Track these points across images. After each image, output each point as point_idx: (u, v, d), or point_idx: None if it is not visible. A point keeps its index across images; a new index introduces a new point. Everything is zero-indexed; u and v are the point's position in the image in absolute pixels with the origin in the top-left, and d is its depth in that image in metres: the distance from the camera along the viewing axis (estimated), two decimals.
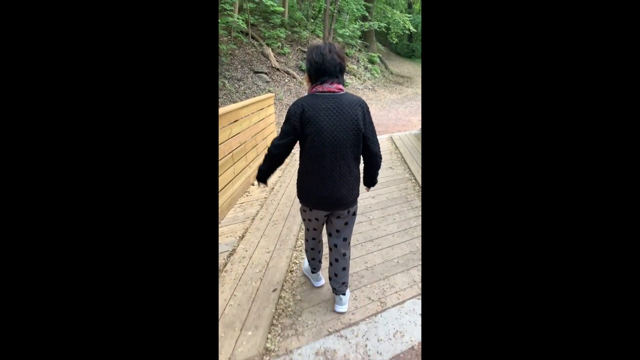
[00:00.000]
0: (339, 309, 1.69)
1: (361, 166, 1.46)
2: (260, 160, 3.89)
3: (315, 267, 1.81)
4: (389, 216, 2.73)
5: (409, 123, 7.21)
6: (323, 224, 1.58)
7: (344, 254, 1.60)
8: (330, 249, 1.62)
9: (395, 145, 4.86)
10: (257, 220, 2.64)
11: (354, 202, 1.47)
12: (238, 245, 2.28)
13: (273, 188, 3.34)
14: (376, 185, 3.29)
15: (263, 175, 1.50)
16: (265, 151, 1.50)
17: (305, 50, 10.89)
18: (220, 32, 8.91)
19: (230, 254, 2.17)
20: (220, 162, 2.67)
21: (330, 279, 1.67)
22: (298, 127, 1.30)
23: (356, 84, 11.26)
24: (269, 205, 2.92)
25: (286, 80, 9.24)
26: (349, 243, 1.61)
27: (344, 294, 1.69)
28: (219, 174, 2.66)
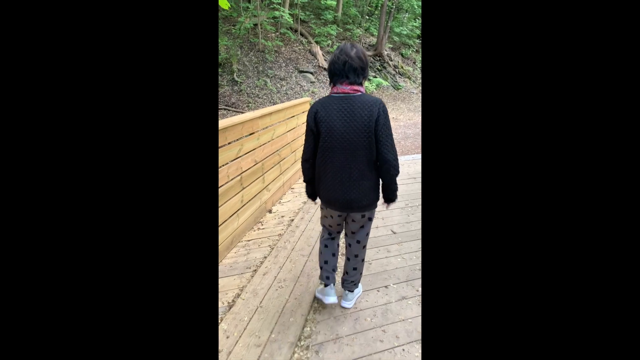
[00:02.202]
0: (344, 304, 1.67)
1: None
2: (286, 178, 3.21)
3: (327, 274, 1.62)
4: (409, 299, 1.84)
5: None
6: (339, 225, 1.57)
7: (356, 255, 1.59)
8: (346, 247, 1.63)
9: None
10: (258, 274, 1.93)
11: (368, 207, 1.43)
12: (220, 322, 1.58)
13: (292, 220, 2.62)
14: (400, 238, 2.40)
15: (308, 191, 1.57)
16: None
17: None
18: (268, 27, 8.45)
19: None
20: (221, 190, 2.01)
21: (343, 274, 1.67)
22: (314, 127, 1.35)
23: (410, 88, 10.17)
24: (281, 249, 2.20)
25: None
26: (364, 246, 1.59)
27: (351, 291, 1.67)
28: (218, 206, 2.00)
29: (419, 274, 1.98)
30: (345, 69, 1.29)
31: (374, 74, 9.80)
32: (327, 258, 1.61)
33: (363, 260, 1.62)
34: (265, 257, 2.11)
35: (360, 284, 1.78)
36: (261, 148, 2.57)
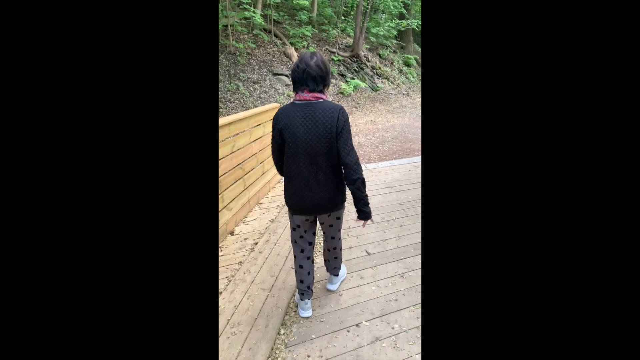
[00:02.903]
0: (330, 287, 1.83)
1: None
2: (251, 193, 2.93)
3: (303, 290, 1.63)
4: (384, 340, 1.61)
5: None
6: (308, 230, 1.59)
7: (334, 245, 1.70)
8: (324, 238, 1.70)
9: None
10: None
11: (335, 207, 1.48)
12: None
13: (257, 243, 2.34)
14: (375, 260, 2.11)
15: (278, 169, 1.55)
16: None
17: (333, 50, 9.88)
18: (239, 29, 8.11)
19: None
20: None
21: (325, 261, 1.81)
22: (278, 136, 1.39)
23: (389, 89, 10.06)
24: (239, 282, 1.91)
25: None
26: (339, 238, 1.69)
27: (335, 275, 1.82)
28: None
29: (395, 305, 1.75)
30: (304, 77, 1.33)
31: (351, 76, 9.62)
32: (302, 277, 1.62)
33: (341, 248, 1.76)
34: (220, 293, 1.82)
35: (343, 266, 1.97)
36: (220, 163, 2.27)
